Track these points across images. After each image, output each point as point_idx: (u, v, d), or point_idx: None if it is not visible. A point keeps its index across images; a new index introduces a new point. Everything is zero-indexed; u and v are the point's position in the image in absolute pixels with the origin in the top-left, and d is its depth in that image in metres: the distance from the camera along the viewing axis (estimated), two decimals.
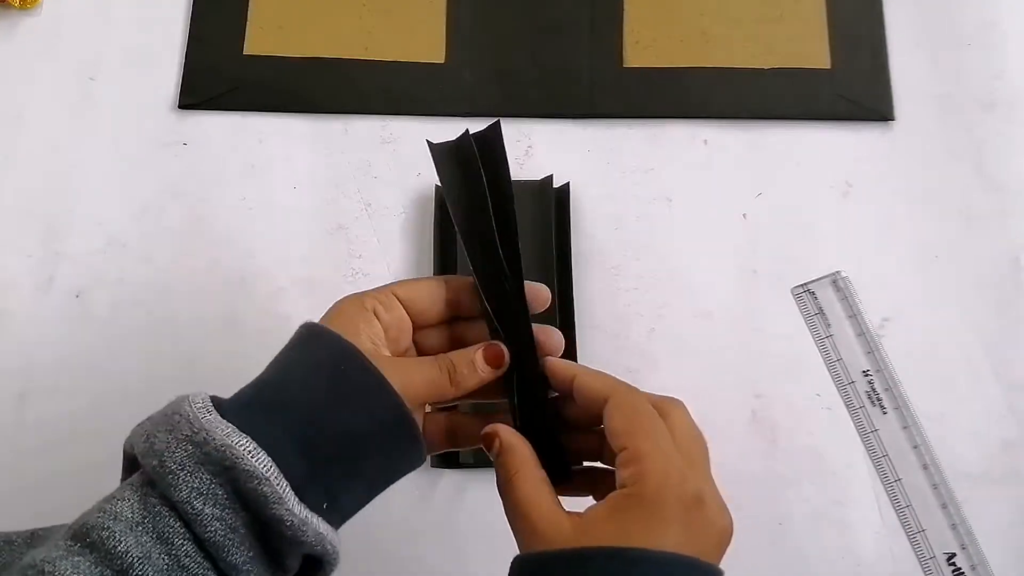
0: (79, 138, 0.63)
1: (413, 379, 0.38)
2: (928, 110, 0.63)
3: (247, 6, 0.66)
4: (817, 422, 0.57)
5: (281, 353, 0.38)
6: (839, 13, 0.65)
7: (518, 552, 0.36)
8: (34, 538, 0.34)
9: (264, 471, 0.32)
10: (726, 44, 0.65)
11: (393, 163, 0.63)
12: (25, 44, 0.65)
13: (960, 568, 0.53)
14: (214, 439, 0.33)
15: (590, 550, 0.34)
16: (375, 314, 0.39)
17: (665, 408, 0.38)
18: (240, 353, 0.58)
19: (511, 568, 0.36)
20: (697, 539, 0.35)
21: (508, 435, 0.38)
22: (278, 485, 0.32)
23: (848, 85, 0.64)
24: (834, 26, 0.65)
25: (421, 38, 0.65)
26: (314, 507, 0.34)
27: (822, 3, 0.66)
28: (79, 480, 0.55)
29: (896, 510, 0.55)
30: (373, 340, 0.38)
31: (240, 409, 0.35)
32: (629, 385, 0.39)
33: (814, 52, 0.65)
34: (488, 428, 0.39)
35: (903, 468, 0.55)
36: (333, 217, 0.61)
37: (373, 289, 0.40)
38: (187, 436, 0.33)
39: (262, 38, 0.65)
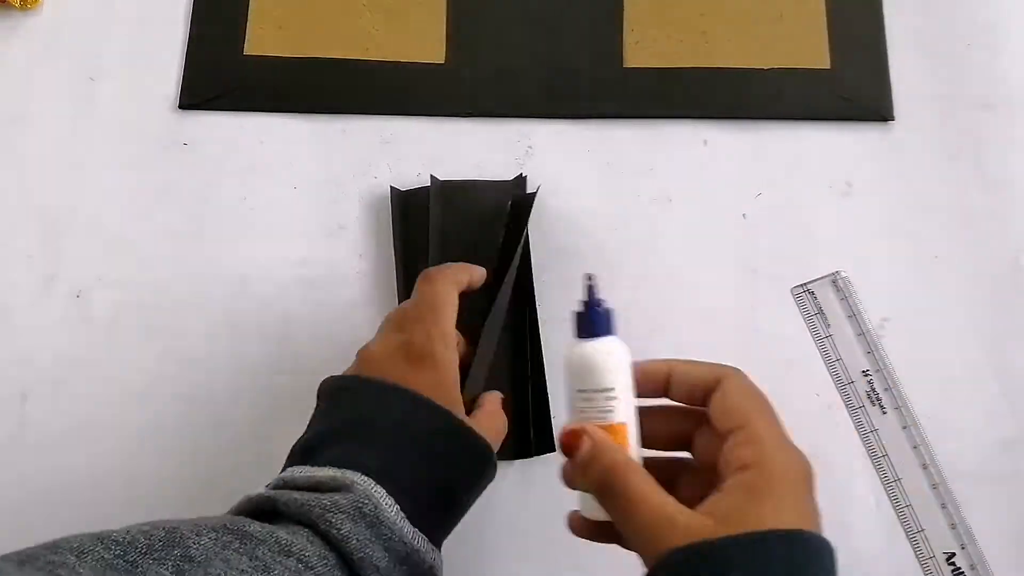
0: (79, 138, 0.63)
1: (492, 429, 0.46)
2: (928, 110, 0.63)
3: (247, 6, 0.66)
4: (817, 422, 0.57)
5: (408, 430, 0.43)
6: (839, 13, 0.65)
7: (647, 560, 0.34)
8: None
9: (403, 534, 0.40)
10: (726, 44, 0.65)
11: (393, 163, 0.63)
12: (26, 45, 0.65)
13: (959, 568, 0.53)
14: (415, 551, 0.40)
15: (761, 534, 0.33)
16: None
17: (728, 375, 0.38)
18: (240, 353, 0.58)
19: (659, 563, 0.33)
20: (813, 510, 0.36)
21: (599, 433, 0.37)
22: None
23: (848, 85, 0.64)
24: (834, 26, 0.65)
25: (421, 38, 0.65)
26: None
27: (822, 3, 0.66)
28: (80, 480, 0.56)
29: (895, 510, 0.55)
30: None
31: (413, 511, 0.41)
32: (734, 368, 0.39)
33: (814, 52, 0.65)
34: (572, 427, 0.37)
35: (903, 468, 0.55)
36: (333, 217, 0.61)
37: (442, 331, 0.45)
38: (403, 556, 0.40)
39: (262, 38, 0.65)
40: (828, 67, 0.64)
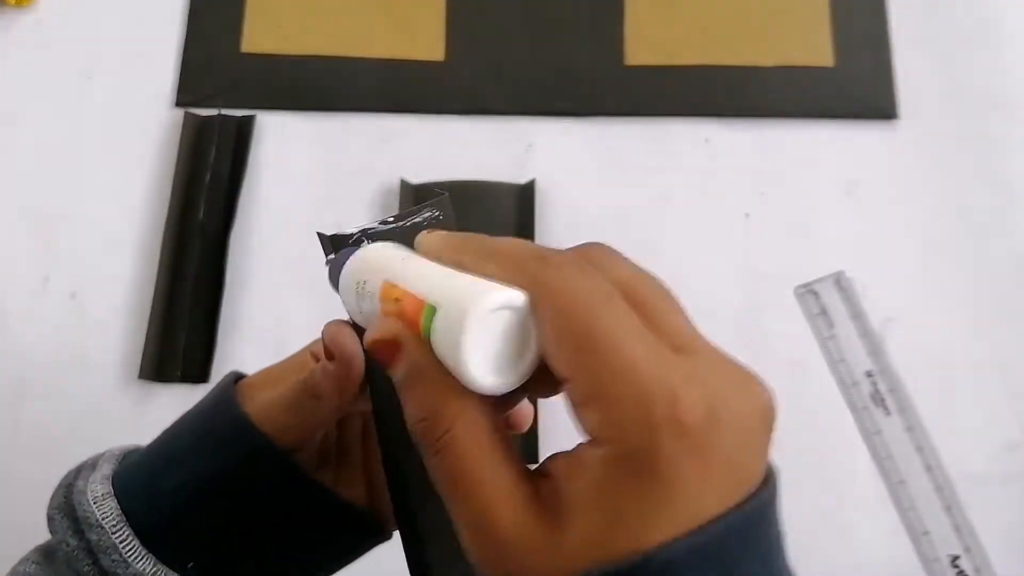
0: (76, 136, 0.63)
1: (267, 400, 0.33)
2: (932, 108, 0.63)
3: (244, 4, 0.65)
4: (820, 423, 0.56)
5: None
6: (842, 11, 0.65)
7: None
8: None
9: (99, 518, 0.32)
10: (728, 42, 0.64)
11: (393, 161, 0.62)
12: (21, 42, 0.65)
13: (964, 570, 0.53)
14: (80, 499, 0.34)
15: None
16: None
17: (589, 255, 0.25)
18: (239, 353, 0.58)
19: None
20: (728, 471, 0.21)
21: (416, 351, 0.24)
22: (114, 534, 0.32)
23: (852, 83, 0.63)
24: (837, 24, 0.64)
25: (421, 36, 0.65)
26: (171, 562, 0.32)
27: (825, 0, 0.65)
28: None
29: (899, 512, 0.54)
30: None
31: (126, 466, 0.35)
32: (542, 256, 0.23)
33: (817, 50, 0.64)
34: (382, 333, 0.24)
35: (907, 470, 0.55)
36: (332, 215, 0.61)
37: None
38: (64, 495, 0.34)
39: (260, 36, 0.65)
40: (832, 65, 0.64)
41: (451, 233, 0.27)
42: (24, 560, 0.34)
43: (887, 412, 0.56)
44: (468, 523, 0.22)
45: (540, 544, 0.21)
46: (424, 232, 0.27)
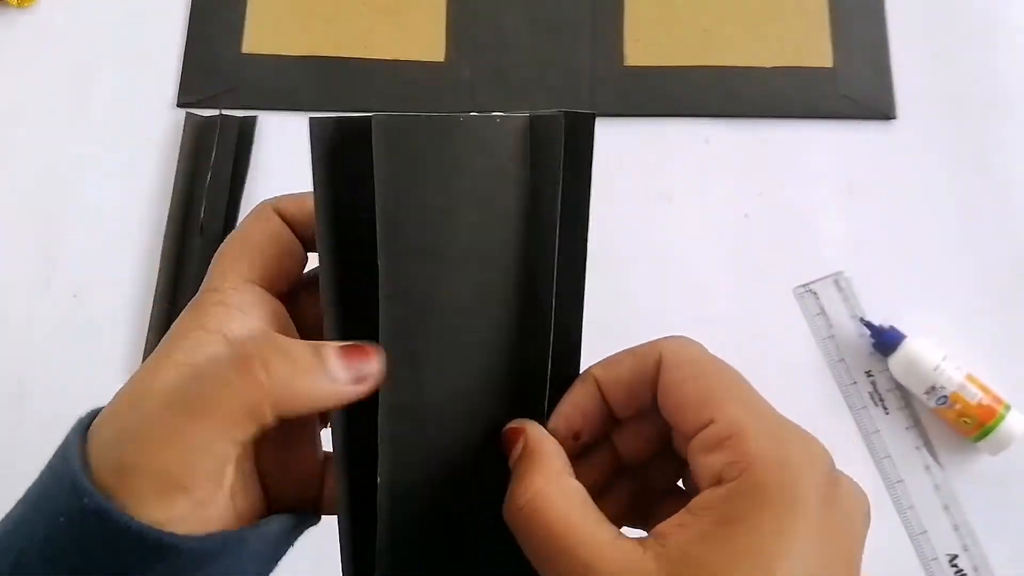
0: (77, 137, 0.63)
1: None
2: (930, 108, 0.63)
3: (246, 4, 0.65)
4: (819, 423, 0.56)
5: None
6: (841, 11, 0.65)
7: None
8: None
9: None
10: (727, 42, 0.64)
11: None
12: (22, 43, 0.65)
13: (962, 569, 0.53)
14: None
15: None
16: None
17: (666, 350, 0.29)
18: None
19: None
20: (840, 538, 0.24)
21: (538, 435, 0.27)
22: None
23: (850, 83, 0.63)
24: (836, 24, 0.65)
25: (421, 37, 0.65)
26: None
27: (824, 1, 0.65)
28: None
29: (898, 511, 0.55)
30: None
31: None
32: (674, 338, 0.29)
33: (816, 50, 0.64)
34: (514, 424, 0.28)
35: (905, 469, 0.55)
36: None
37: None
38: None
39: (261, 36, 0.65)
40: (830, 65, 0.64)
41: None
42: None
43: (886, 411, 0.56)
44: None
45: (655, 572, 0.22)
46: None
